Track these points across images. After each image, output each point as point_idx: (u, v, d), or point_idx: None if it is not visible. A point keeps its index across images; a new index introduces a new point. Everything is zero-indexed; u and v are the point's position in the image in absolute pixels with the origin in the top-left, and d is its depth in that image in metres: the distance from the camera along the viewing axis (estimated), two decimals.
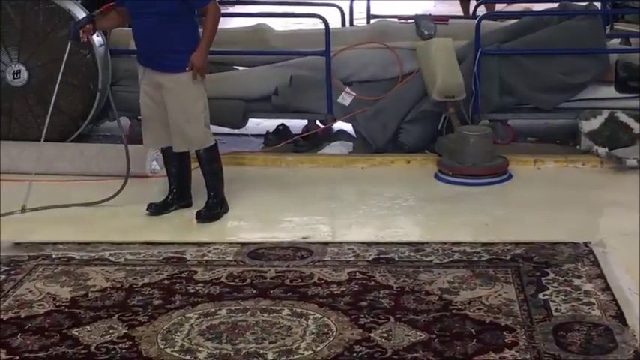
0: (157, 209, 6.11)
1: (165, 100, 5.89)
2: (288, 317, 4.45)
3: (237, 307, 4.57)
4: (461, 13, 11.54)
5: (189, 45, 5.82)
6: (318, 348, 4.12)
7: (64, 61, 6.29)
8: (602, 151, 7.11)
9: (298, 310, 4.53)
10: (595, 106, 7.50)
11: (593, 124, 7.33)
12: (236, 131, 7.94)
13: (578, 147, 7.42)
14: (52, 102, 6.35)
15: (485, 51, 7.53)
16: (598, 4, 9.07)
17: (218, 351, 4.11)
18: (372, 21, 9.18)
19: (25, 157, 7.10)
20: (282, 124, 8.05)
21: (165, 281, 4.94)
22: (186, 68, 5.78)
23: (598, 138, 7.26)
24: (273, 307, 4.56)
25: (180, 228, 5.94)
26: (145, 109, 6.05)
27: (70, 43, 6.23)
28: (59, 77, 6.34)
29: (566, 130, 7.83)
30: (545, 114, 7.78)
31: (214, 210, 6.03)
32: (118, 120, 6.66)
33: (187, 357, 4.07)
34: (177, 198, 6.18)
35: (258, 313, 4.50)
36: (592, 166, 7.12)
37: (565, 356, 3.97)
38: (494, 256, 5.18)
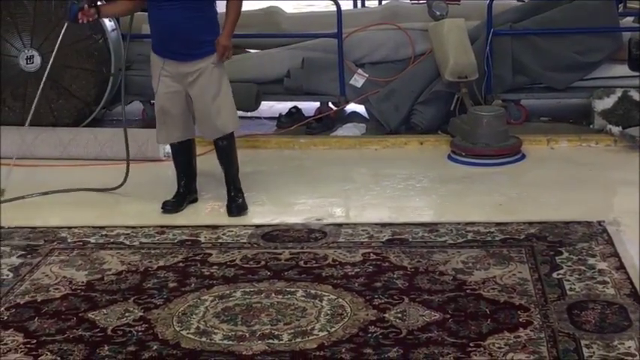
0: (173, 206, 5.90)
1: (191, 89, 5.65)
2: (303, 299, 4.46)
3: (252, 290, 4.59)
4: None
5: (214, 33, 5.61)
6: (333, 329, 4.13)
7: (58, 41, 6.26)
8: (615, 129, 7.09)
9: (313, 291, 4.54)
10: (608, 85, 7.48)
11: (606, 102, 7.31)
12: (249, 114, 7.96)
13: (591, 126, 7.41)
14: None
15: (498, 31, 7.51)
16: None
17: (233, 333, 4.13)
18: (384, 2, 9.17)
19: (40, 142, 7.15)
20: (295, 107, 8.06)
21: (180, 264, 4.96)
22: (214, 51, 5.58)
23: (611, 117, 7.24)
24: (288, 289, 4.58)
25: (194, 211, 5.95)
26: (164, 102, 5.73)
27: (65, 24, 6.12)
28: (51, 59, 6.35)
29: (580, 109, 7.81)
30: (558, 93, 7.78)
31: (241, 200, 5.86)
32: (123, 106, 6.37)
33: (203, 339, 4.09)
34: (187, 193, 5.99)
35: (273, 294, 4.51)
36: (605, 145, 7.11)
37: (579, 335, 3.97)
38: (508, 236, 5.18)
